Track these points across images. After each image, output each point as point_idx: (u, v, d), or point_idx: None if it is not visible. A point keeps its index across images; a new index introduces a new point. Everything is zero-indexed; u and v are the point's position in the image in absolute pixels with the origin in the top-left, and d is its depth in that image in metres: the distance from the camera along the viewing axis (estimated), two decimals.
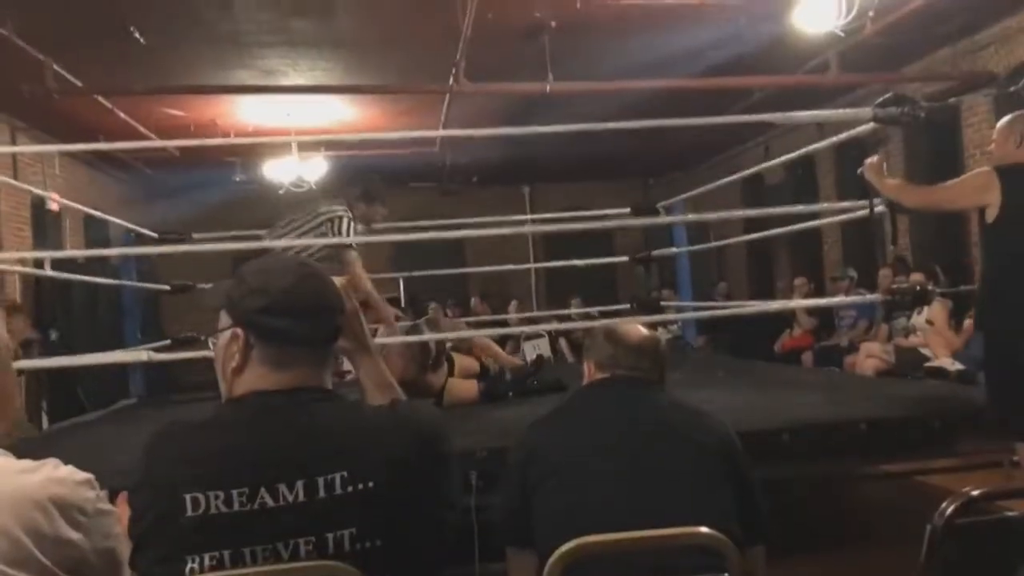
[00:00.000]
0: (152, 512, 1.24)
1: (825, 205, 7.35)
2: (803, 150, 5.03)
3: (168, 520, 1.21)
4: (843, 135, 4.28)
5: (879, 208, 3.79)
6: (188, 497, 1.20)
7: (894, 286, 3.85)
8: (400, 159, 10.00)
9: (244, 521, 1.20)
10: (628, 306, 6.92)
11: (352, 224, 4.56)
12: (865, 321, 7.09)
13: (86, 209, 5.23)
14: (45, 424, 5.73)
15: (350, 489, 1.23)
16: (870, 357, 5.89)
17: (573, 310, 8.57)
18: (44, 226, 8.16)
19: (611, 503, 1.72)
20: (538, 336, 8.15)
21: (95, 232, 8.81)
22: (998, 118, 3.49)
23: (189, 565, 1.20)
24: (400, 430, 1.32)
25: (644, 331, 2.08)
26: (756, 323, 7.68)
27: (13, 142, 7.81)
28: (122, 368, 5.93)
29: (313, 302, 1.35)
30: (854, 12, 4.66)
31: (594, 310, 8.21)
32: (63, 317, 7.29)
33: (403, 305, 10.50)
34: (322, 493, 1.22)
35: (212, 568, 1.20)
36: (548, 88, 6.35)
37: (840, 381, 5.02)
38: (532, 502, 1.80)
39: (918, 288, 3.69)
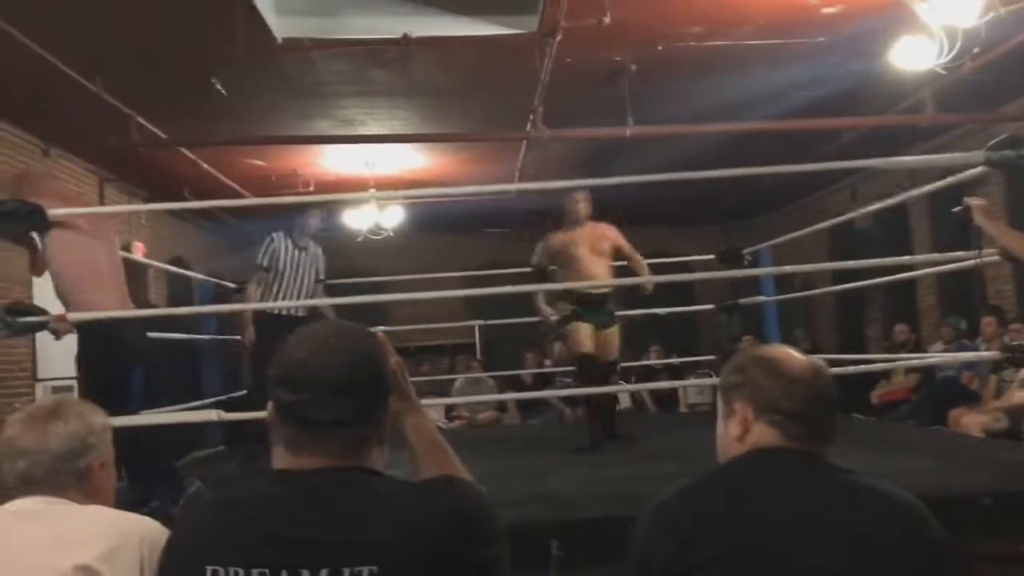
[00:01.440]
0: None
1: (922, 257, 7.01)
2: (899, 197, 4.78)
3: None
4: (948, 180, 4.02)
5: (991, 258, 3.51)
6: (209, 569, 1.14)
7: (1013, 341, 3.54)
8: (475, 205, 9.97)
9: None
10: (712, 356, 6.65)
11: (278, 243, 5.19)
12: (969, 372, 6.66)
13: (166, 267, 5.32)
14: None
15: None
16: (979, 416, 5.49)
17: (654, 360, 8.32)
18: (130, 275, 8.30)
19: None
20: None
21: (177, 281, 8.95)
22: None
23: None
24: (439, 520, 1.19)
25: (809, 360, 1.56)
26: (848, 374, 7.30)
27: (101, 192, 8.02)
28: None
29: (330, 377, 1.22)
30: (956, 49, 4.40)
31: (676, 360, 7.97)
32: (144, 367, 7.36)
33: (479, 355, 10.41)
34: None
35: None
36: (628, 132, 6.21)
37: (950, 443, 4.67)
38: None
39: None
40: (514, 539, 2.57)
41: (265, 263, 5.13)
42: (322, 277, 5.48)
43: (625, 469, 3.77)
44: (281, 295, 5.11)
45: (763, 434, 1.50)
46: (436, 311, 10.73)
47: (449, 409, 8.05)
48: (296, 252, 5.25)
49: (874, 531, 1.38)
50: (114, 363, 3.54)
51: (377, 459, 1.27)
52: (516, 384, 8.90)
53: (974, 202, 3.25)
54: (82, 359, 3.62)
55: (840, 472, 1.49)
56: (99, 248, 3.74)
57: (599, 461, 4.22)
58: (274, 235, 5.20)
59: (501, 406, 8.13)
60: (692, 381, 7.83)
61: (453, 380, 8.56)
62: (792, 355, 1.56)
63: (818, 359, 1.60)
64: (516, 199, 9.86)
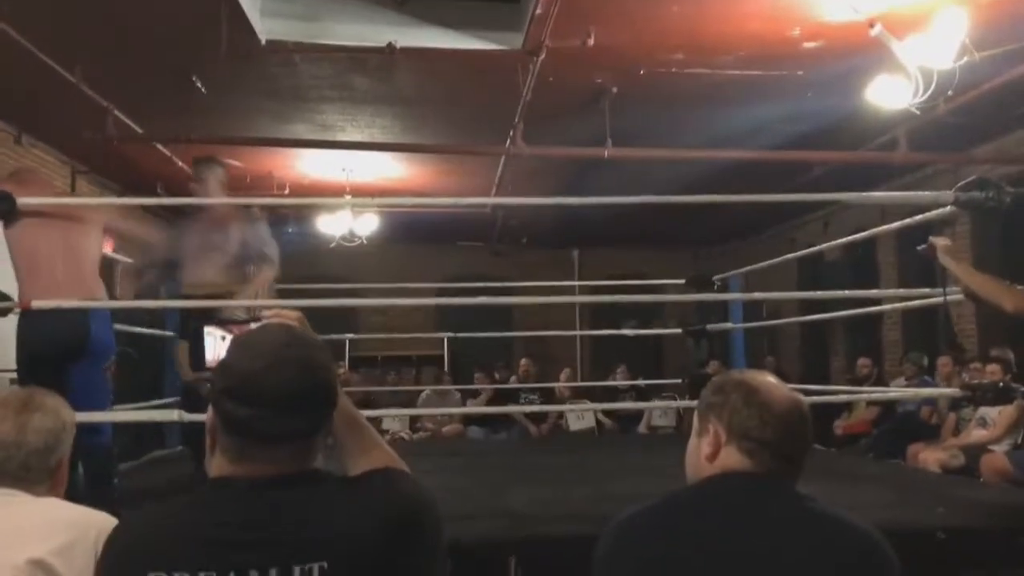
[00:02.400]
0: None
1: (889, 292, 7.11)
2: (869, 232, 4.85)
3: None
4: (917, 217, 4.08)
5: (955, 297, 3.57)
6: (152, 575, 1.12)
7: (972, 379, 3.59)
8: (451, 217, 9.98)
9: None
10: (677, 380, 6.69)
11: None
12: (928, 408, 6.75)
13: (129, 260, 5.24)
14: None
15: None
16: (937, 452, 5.57)
17: (620, 381, 8.34)
18: (100, 269, 8.20)
19: None
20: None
21: None
22: None
23: None
24: (387, 512, 1.21)
25: (789, 394, 1.55)
26: (812, 404, 7.37)
27: (73, 185, 7.91)
28: None
29: (285, 392, 1.20)
30: (932, 89, 4.49)
31: (642, 383, 8.01)
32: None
33: (446, 366, 10.37)
34: None
35: None
36: (606, 154, 6.25)
37: (908, 477, 4.73)
38: None
39: (1000, 384, 3.44)
40: (473, 555, 2.57)
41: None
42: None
43: (586, 488, 3.77)
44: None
45: (733, 458, 1.50)
46: (406, 322, 10.73)
47: (414, 420, 8.01)
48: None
49: (834, 558, 1.39)
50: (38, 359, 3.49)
51: (320, 460, 1.27)
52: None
53: (939, 241, 3.29)
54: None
55: (804, 501, 1.49)
56: (68, 240, 3.68)
57: (560, 479, 4.22)
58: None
59: (465, 419, 8.11)
60: (657, 403, 7.87)
61: (419, 391, 8.52)
62: (775, 385, 1.55)
63: (797, 393, 1.59)
64: (492, 213, 9.91)
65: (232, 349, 1.28)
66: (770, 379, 1.58)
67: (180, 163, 7.57)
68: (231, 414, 1.20)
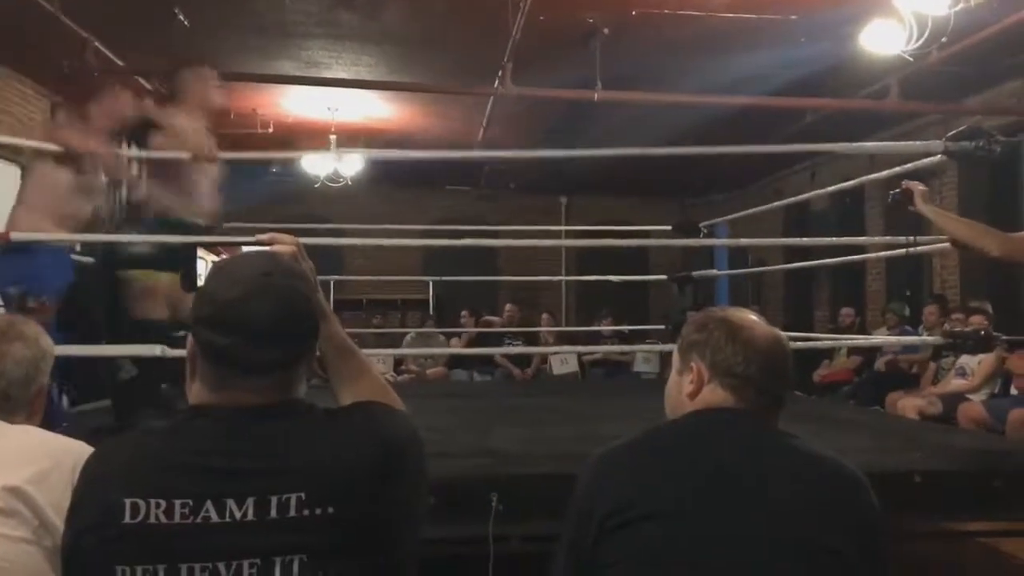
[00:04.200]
0: (88, 517, 1.14)
1: (873, 239, 7.12)
2: (856, 181, 4.82)
3: (104, 526, 1.11)
4: (907, 166, 4.05)
5: (939, 246, 3.57)
6: (128, 502, 1.10)
7: (954, 328, 3.61)
8: (438, 159, 9.87)
9: (184, 535, 1.10)
10: (663, 327, 6.71)
11: None
12: (906, 356, 6.82)
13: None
14: (66, 405, 5.63)
15: (306, 513, 1.11)
16: (915, 400, 5.64)
17: (605, 327, 8.35)
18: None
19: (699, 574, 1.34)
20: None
21: None
22: None
23: None
24: (363, 447, 1.20)
25: (771, 330, 1.54)
26: (796, 351, 7.43)
27: (52, 117, 7.76)
28: None
29: (263, 322, 1.18)
30: (926, 35, 4.44)
31: (625, 328, 8.03)
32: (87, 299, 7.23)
33: (431, 310, 10.37)
34: (274, 513, 1.11)
35: None
36: (596, 96, 6.17)
37: (887, 424, 4.79)
38: (598, 555, 1.39)
39: (982, 333, 3.45)
40: (455, 491, 2.58)
41: None
42: None
43: (569, 429, 3.79)
44: None
45: (715, 394, 1.50)
46: (391, 266, 10.68)
47: (398, 362, 8.03)
48: None
49: (820, 494, 1.40)
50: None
51: (301, 391, 1.25)
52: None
53: (917, 187, 3.18)
54: None
55: (787, 436, 1.50)
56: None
57: (543, 420, 4.25)
58: None
59: (449, 362, 8.14)
60: (638, 347, 7.90)
61: (404, 334, 8.53)
62: (756, 323, 1.55)
63: (778, 330, 1.58)
64: (479, 158, 9.81)
65: (211, 276, 1.25)
66: (751, 316, 1.58)
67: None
68: (210, 343, 1.18)
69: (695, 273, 6.36)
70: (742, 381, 1.49)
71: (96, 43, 5.90)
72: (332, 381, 1.47)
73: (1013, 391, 5.38)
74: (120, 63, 6.41)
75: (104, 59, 6.14)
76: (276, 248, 1.40)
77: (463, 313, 8.87)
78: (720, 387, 1.50)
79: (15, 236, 3.27)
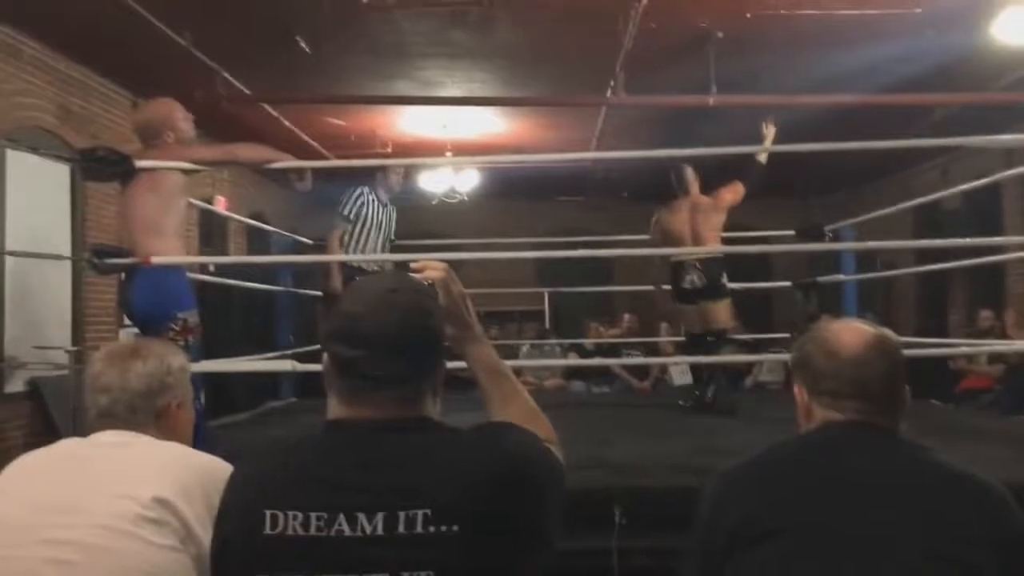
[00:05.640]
0: (233, 527, 1.21)
1: (1014, 239, 6.73)
2: (992, 178, 4.57)
3: (247, 536, 1.17)
4: None
5: None
6: (268, 513, 1.16)
7: None
8: (551, 171, 9.92)
9: (319, 547, 1.14)
10: (787, 335, 6.52)
11: (365, 197, 5.19)
12: None
13: (246, 220, 5.39)
14: None
15: (432, 530, 1.13)
16: None
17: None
18: (210, 229, 8.54)
19: None
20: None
21: (257, 237, 9.15)
22: None
23: None
24: (494, 465, 1.20)
25: (865, 337, 1.50)
26: (930, 358, 7.07)
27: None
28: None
29: (384, 335, 1.22)
30: None
31: (749, 337, 7.84)
32: (223, 318, 7.59)
33: (547, 325, 10.40)
34: (402, 529, 1.13)
35: None
36: (711, 101, 6.07)
37: None
38: (725, 570, 1.40)
39: None
40: (577, 505, 2.59)
41: (351, 214, 5.14)
42: (392, 237, 5.50)
43: (690, 442, 3.73)
44: (362, 249, 5.13)
45: (824, 412, 1.51)
46: (507, 277, 10.77)
47: (516, 373, 8.06)
48: (380, 208, 5.28)
49: (951, 510, 1.35)
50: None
51: (431, 409, 1.28)
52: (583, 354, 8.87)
53: None
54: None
55: (916, 449, 1.47)
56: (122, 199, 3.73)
57: (664, 432, 4.20)
58: (362, 189, 5.21)
59: (567, 374, 8.12)
60: (761, 356, 7.68)
61: (520, 345, 8.58)
62: (848, 329, 1.54)
63: (885, 331, 1.56)
64: (591, 167, 9.80)
65: (345, 294, 1.33)
66: (850, 325, 1.57)
67: (287, 123, 7.75)
68: (337, 355, 1.24)
69: (819, 279, 6.17)
70: (838, 395, 1.48)
71: (224, 73, 6.20)
72: (485, 403, 1.49)
73: None
74: (247, 91, 6.71)
75: (232, 88, 6.44)
76: (427, 275, 1.43)
77: (592, 325, 8.85)
78: (821, 405, 1.51)
79: (155, 260, 3.44)
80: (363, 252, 5.10)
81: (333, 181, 5.02)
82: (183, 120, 3.76)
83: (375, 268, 4.96)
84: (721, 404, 4.89)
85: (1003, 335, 7.35)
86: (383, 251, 5.27)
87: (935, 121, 7.13)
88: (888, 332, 1.56)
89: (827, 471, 1.43)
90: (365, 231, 5.17)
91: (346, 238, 5.13)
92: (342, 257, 4.98)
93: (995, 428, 4.43)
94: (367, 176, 5.43)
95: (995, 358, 7.01)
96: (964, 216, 8.86)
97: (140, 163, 3.53)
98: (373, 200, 5.23)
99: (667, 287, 5.26)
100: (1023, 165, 4.55)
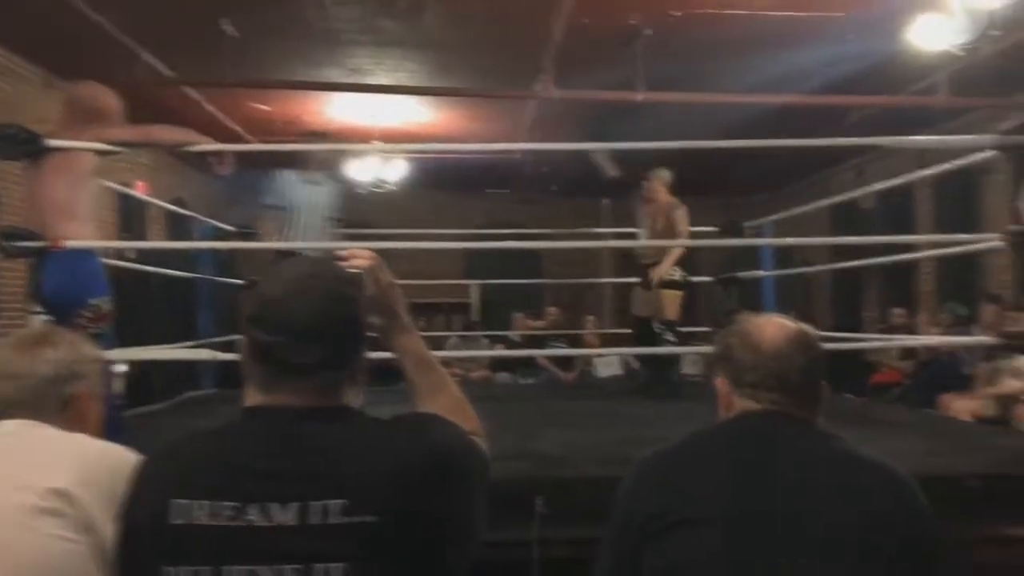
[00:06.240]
0: (137, 517, 1.17)
1: (923, 237, 6.99)
2: (904, 177, 4.74)
3: (152, 527, 1.13)
4: (956, 162, 3.98)
5: (992, 245, 3.49)
6: (174, 503, 1.12)
7: (1008, 329, 3.52)
8: (480, 163, 9.91)
9: (228, 537, 1.11)
10: (708, 328, 6.65)
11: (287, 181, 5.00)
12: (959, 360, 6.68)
13: (168, 206, 5.24)
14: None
15: (347, 520, 1.10)
16: (969, 401, 5.52)
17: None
18: (129, 214, 8.28)
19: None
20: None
21: (177, 223, 8.92)
22: None
23: None
24: (414, 456, 1.18)
25: (786, 331, 1.55)
26: (842, 353, 7.30)
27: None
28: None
29: (304, 321, 1.19)
30: (976, 30, 4.35)
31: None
32: (141, 306, 7.38)
33: (475, 314, 10.40)
34: (316, 520, 1.10)
35: None
36: (639, 98, 6.15)
37: (939, 425, 4.69)
38: (641, 560, 1.42)
39: None
40: (499, 495, 2.58)
41: (278, 202, 4.97)
42: (335, 215, 5.32)
43: (614, 432, 3.77)
44: (295, 234, 4.97)
45: (743, 402, 1.55)
46: (434, 269, 10.73)
47: (443, 365, 8.05)
48: (310, 189, 5.08)
49: (861, 494, 1.39)
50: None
51: (351, 398, 1.26)
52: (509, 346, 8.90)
53: None
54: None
55: (830, 438, 1.52)
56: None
57: (588, 423, 4.23)
58: (285, 173, 5.03)
59: (493, 365, 8.15)
60: (688, 348, 7.81)
61: (447, 337, 8.57)
62: (769, 324, 1.58)
63: (806, 326, 1.60)
64: (521, 160, 9.83)
65: (264, 278, 1.28)
66: (771, 320, 1.60)
67: (210, 107, 7.57)
68: (254, 340, 1.20)
69: (740, 274, 6.31)
70: (757, 385, 1.52)
71: (145, 55, 6.03)
72: (412, 394, 1.47)
73: None
74: (169, 74, 6.54)
75: (153, 71, 6.26)
76: (354, 263, 1.40)
77: (516, 316, 8.87)
78: (742, 396, 1.54)
79: (69, 244, 3.32)
80: (296, 237, 4.95)
81: (257, 167, 4.90)
82: (115, 107, 3.63)
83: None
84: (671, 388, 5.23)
85: (912, 333, 7.64)
86: (320, 232, 5.09)
87: (851, 123, 7.36)
88: (809, 328, 1.60)
89: (742, 459, 1.46)
90: (297, 216, 5.00)
91: (278, 226, 4.97)
92: (259, 245, 4.83)
93: (904, 420, 4.60)
94: (289, 160, 5.24)
95: (906, 354, 7.27)
96: (878, 215, 9.18)
97: (51, 142, 3.40)
98: (300, 182, 5.06)
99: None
100: (934, 166, 4.73)
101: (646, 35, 5.90)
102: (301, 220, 4.99)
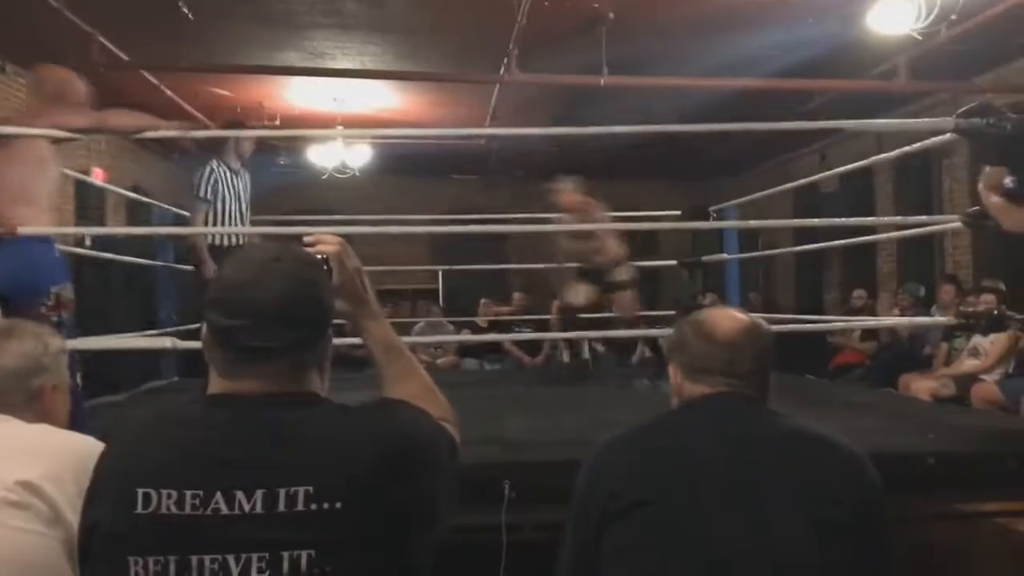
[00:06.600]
0: (102, 507, 1.15)
1: (884, 219, 7.07)
2: (865, 161, 4.79)
3: (118, 516, 1.12)
4: (916, 145, 4.02)
5: (952, 226, 3.54)
6: (140, 492, 1.10)
7: (967, 309, 3.59)
8: (445, 148, 9.86)
9: (194, 526, 1.09)
10: (672, 312, 6.70)
11: (216, 172, 4.76)
12: (925, 341, 6.79)
13: (127, 193, 5.13)
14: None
15: (313, 507, 1.09)
16: (928, 381, 5.61)
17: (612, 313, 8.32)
18: (87, 202, 8.14)
19: (703, 555, 1.38)
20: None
21: (137, 211, 8.78)
22: None
23: (133, 569, 1.08)
24: (380, 441, 1.17)
25: (739, 322, 1.64)
26: (804, 335, 7.39)
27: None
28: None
29: (267, 304, 1.17)
30: (935, 14, 4.39)
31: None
32: (101, 294, 7.26)
33: (440, 301, 10.37)
34: (282, 507, 1.09)
35: (156, 574, 1.08)
36: (602, 82, 6.15)
37: (899, 405, 4.77)
38: (603, 540, 1.46)
39: (995, 312, 3.43)
40: (467, 480, 2.59)
41: (207, 194, 4.83)
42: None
43: (580, 416, 3.79)
44: (226, 223, 4.85)
45: (695, 388, 1.61)
46: (400, 255, 10.68)
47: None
48: (233, 177, 4.95)
49: (812, 468, 1.45)
50: None
51: (317, 385, 1.24)
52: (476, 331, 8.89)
53: (989, 170, 3.08)
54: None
55: (781, 416, 1.59)
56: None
57: (555, 408, 4.25)
58: (211, 164, 4.85)
59: (460, 351, 8.13)
60: (651, 332, 7.86)
61: (413, 323, 8.53)
62: (723, 315, 1.66)
63: (757, 318, 1.69)
64: (487, 145, 9.80)
65: (225, 263, 1.27)
66: (725, 311, 1.70)
67: (168, 92, 7.44)
68: (216, 325, 1.18)
69: (705, 258, 6.35)
70: (708, 371, 1.59)
71: (101, 38, 5.90)
72: (380, 380, 1.46)
73: None
74: (125, 58, 6.41)
75: (109, 54, 6.14)
76: (320, 248, 1.38)
77: (484, 302, 8.84)
78: (695, 381, 1.61)
79: (22, 230, 3.25)
80: (229, 226, 4.82)
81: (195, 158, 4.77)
82: (81, 91, 3.56)
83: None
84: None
85: (873, 314, 7.75)
86: (245, 221, 4.98)
87: (812, 108, 7.42)
88: (759, 319, 1.68)
89: (698, 439, 1.52)
90: (225, 207, 4.88)
91: (209, 218, 4.84)
92: (217, 229, 4.70)
93: (864, 400, 4.67)
94: (213, 149, 5.07)
95: (867, 335, 7.37)
96: (840, 199, 9.29)
97: (1, 129, 3.32)
98: (225, 172, 4.90)
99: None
100: (893, 150, 4.78)
101: (609, 18, 5.89)
102: (226, 211, 4.84)
